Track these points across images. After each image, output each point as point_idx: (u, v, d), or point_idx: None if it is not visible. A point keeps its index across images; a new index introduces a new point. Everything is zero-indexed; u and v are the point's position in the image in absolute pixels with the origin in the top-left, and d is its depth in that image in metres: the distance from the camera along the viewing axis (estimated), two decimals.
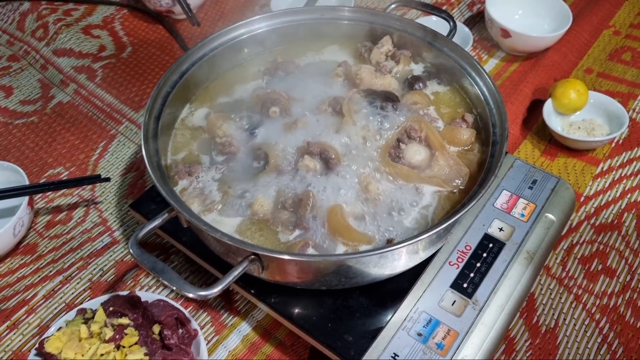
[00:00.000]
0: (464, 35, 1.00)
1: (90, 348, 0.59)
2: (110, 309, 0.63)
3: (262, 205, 0.61)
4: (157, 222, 0.57)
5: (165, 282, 0.52)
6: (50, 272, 0.75)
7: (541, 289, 0.71)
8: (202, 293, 0.51)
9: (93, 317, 0.63)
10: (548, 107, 0.87)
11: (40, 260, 0.77)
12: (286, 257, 0.53)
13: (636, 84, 0.97)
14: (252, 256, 0.54)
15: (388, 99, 0.69)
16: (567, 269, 0.73)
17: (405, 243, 0.53)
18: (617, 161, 0.85)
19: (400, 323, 0.60)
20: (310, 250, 0.58)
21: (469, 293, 0.62)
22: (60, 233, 0.80)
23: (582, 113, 0.88)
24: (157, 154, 0.63)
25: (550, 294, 0.71)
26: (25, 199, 0.74)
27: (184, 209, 0.56)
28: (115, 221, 0.81)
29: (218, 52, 0.77)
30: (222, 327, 0.69)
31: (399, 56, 0.78)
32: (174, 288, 0.51)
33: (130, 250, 0.54)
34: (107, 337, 0.59)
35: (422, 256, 0.62)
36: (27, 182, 0.76)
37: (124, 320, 0.61)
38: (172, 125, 0.72)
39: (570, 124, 0.87)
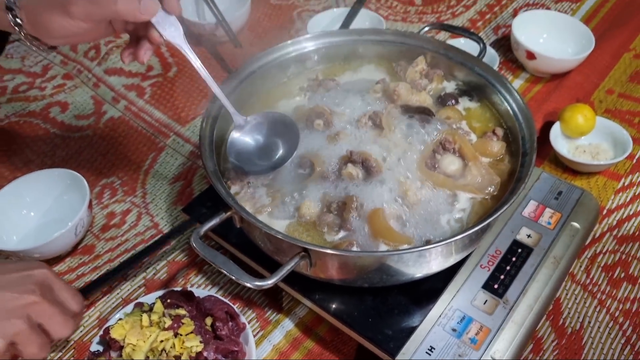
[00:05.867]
0: (491, 57, 1.05)
1: (150, 335, 0.64)
2: (168, 301, 0.68)
3: (309, 208, 0.67)
4: (215, 220, 0.63)
5: (226, 272, 0.57)
6: (108, 270, 0.81)
7: (567, 294, 0.75)
8: (259, 283, 0.57)
9: (149, 310, 0.68)
10: (555, 130, 0.92)
11: (98, 259, 0.83)
12: (335, 252, 0.59)
13: None
14: (303, 252, 0.59)
15: (424, 113, 0.75)
16: (591, 276, 0.77)
17: (442, 243, 0.59)
18: (637, 177, 0.89)
19: (436, 319, 0.65)
20: (355, 249, 0.63)
21: (499, 293, 0.67)
22: (115, 236, 0.86)
23: (589, 137, 0.92)
24: (213, 162, 0.69)
25: (575, 298, 0.75)
26: (86, 201, 0.80)
27: (242, 209, 0.62)
28: (166, 225, 0.87)
29: (264, 70, 0.83)
30: (266, 323, 0.74)
31: (433, 75, 0.83)
32: (234, 277, 0.57)
33: (194, 244, 0.60)
34: (166, 326, 0.64)
35: (456, 258, 0.67)
36: (87, 188, 0.82)
37: (181, 311, 0.67)
38: (224, 136, 0.78)
39: (577, 147, 0.91)
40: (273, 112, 0.77)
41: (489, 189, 0.69)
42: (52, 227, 0.83)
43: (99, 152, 1.00)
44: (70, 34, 0.62)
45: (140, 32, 0.66)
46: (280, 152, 0.71)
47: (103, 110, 1.09)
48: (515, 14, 1.26)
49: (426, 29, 0.89)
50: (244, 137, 0.72)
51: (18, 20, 0.62)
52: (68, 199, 0.86)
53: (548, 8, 1.27)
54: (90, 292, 0.75)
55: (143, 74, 1.15)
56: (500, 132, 0.74)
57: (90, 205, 0.82)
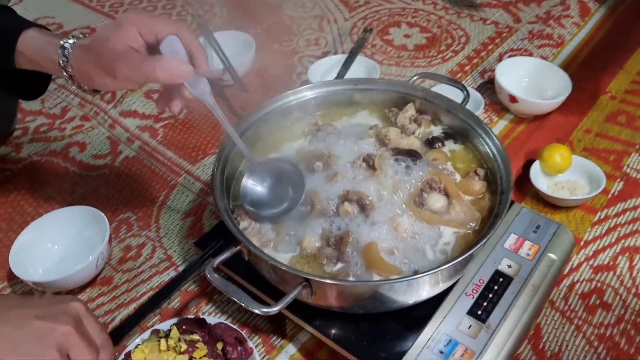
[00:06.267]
0: (477, 100, 1.15)
1: (168, 358, 0.71)
2: (182, 327, 0.76)
3: (310, 242, 0.75)
4: (226, 254, 0.71)
5: (236, 300, 0.65)
6: (125, 300, 0.88)
7: (546, 320, 0.82)
8: (265, 309, 0.64)
9: (166, 336, 0.76)
10: (535, 168, 1.00)
11: (116, 290, 0.90)
12: (333, 282, 0.67)
13: (630, 143, 1.09)
14: (305, 282, 0.66)
15: (412, 155, 0.83)
16: (569, 303, 0.84)
17: (428, 273, 0.66)
18: (612, 211, 0.97)
19: (425, 343, 0.72)
20: (351, 279, 0.71)
21: (482, 319, 0.74)
22: (131, 268, 0.94)
23: (567, 174, 1.00)
24: (224, 201, 0.77)
25: (555, 324, 0.81)
26: (107, 236, 0.88)
27: (250, 244, 0.70)
28: (178, 257, 0.94)
29: (268, 115, 0.92)
30: (271, 348, 0.81)
31: (421, 120, 0.92)
32: (243, 304, 0.64)
33: (209, 276, 0.67)
34: (182, 350, 0.72)
35: (443, 286, 0.74)
36: (107, 225, 0.90)
37: (195, 337, 0.74)
38: (233, 176, 0.86)
39: (556, 183, 1.00)
40: (281, 159, 0.86)
41: (471, 224, 0.77)
42: (74, 259, 0.90)
43: (115, 189, 1.09)
44: (112, 89, 0.71)
45: (172, 87, 0.73)
46: (289, 198, 0.79)
47: (119, 150, 1.18)
48: (500, 58, 1.36)
49: (415, 77, 0.98)
50: (255, 185, 0.80)
51: (70, 73, 0.72)
52: (89, 234, 0.93)
53: (531, 53, 1.37)
54: (122, 335, 0.81)
55: (155, 116, 1.24)
56: (481, 172, 0.83)
57: (110, 240, 0.90)
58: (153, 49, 0.68)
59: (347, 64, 1.20)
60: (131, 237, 0.99)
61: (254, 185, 0.80)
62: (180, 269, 0.92)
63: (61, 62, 0.72)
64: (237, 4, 1.61)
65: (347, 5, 1.55)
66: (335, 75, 1.17)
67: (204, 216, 1.01)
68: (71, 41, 0.72)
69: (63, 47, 0.72)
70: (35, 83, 0.90)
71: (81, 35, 0.74)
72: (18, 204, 1.07)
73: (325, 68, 1.25)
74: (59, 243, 0.94)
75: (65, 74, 0.73)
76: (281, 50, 1.42)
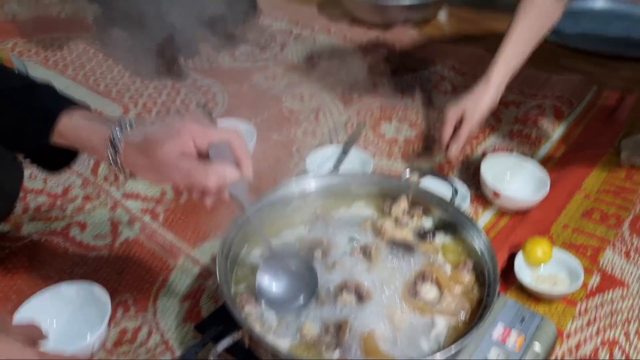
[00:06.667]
0: (465, 193, 1.22)
1: None
2: None
3: (310, 329, 0.79)
4: (228, 340, 0.73)
5: None
6: None
7: None
8: None
9: None
10: (519, 260, 1.06)
11: None
12: None
13: (604, 239, 1.17)
14: None
15: (406, 247, 0.90)
16: None
17: None
18: (592, 303, 1.02)
19: None
20: None
21: None
22: (127, 351, 0.95)
23: (548, 267, 1.06)
24: (228, 286, 0.81)
25: None
26: (107, 317, 0.90)
27: (254, 331, 0.73)
28: (175, 341, 0.96)
29: (270, 204, 0.98)
30: None
31: (414, 213, 0.99)
32: None
33: None
34: None
35: None
36: (109, 302, 0.93)
37: None
38: (235, 262, 0.91)
39: (539, 276, 1.06)
40: (294, 252, 0.91)
41: (461, 314, 0.81)
42: (71, 339, 0.92)
43: (114, 270, 1.11)
44: (155, 183, 0.75)
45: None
46: (302, 294, 0.83)
47: (119, 232, 1.21)
48: (484, 154, 1.46)
49: (407, 174, 1.06)
50: (271, 280, 0.83)
51: (118, 164, 0.75)
52: (87, 312, 0.95)
53: (512, 150, 1.47)
54: None
55: (157, 199, 1.29)
56: (470, 264, 0.89)
57: (109, 323, 0.92)
58: (202, 153, 0.73)
59: (341, 156, 1.28)
60: (127, 320, 1.00)
61: (269, 281, 0.83)
62: (178, 353, 0.94)
63: (110, 154, 0.74)
64: (239, 94, 1.72)
65: (342, 100, 1.66)
66: (332, 166, 1.25)
67: (202, 300, 1.04)
68: (119, 134, 0.74)
69: (112, 140, 0.74)
70: (62, 156, 0.89)
71: (128, 126, 0.75)
72: (15, 283, 1.08)
73: (322, 158, 1.33)
74: (58, 318, 0.96)
75: (113, 165, 0.75)
76: (280, 140, 1.49)
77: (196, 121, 0.74)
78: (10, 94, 0.83)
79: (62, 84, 1.77)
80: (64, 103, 0.81)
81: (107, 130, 0.75)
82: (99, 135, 0.75)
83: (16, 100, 0.82)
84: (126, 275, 1.10)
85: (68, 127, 0.78)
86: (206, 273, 1.10)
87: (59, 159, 0.89)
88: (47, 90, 0.85)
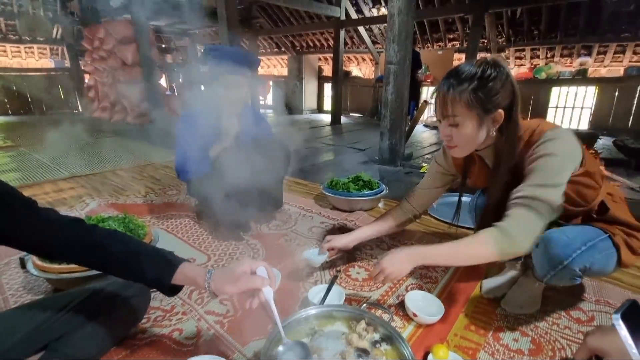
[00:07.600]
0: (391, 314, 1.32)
1: None
2: None
3: None
4: None
5: None
6: None
7: None
8: None
9: None
10: (430, 357, 1.12)
11: None
12: None
13: (479, 344, 1.23)
14: None
15: (365, 352, 0.99)
16: None
17: None
18: None
19: None
20: None
21: None
22: None
23: None
24: None
25: None
26: None
27: None
28: None
29: (287, 324, 1.08)
30: None
31: (369, 329, 1.10)
32: None
33: None
34: None
35: None
36: None
37: None
38: (266, 355, 0.99)
39: None
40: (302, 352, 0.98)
41: None
42: None
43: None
44: (231, 293, 0.94)
45: (255, 292, 0.94)
46: None
47: (202, 336, 1.27)
48: (407, 289, 1.56)
49: (364, 305, 1.19)
50: None
51: (209, 285, 0.95)
52: None
53: (421, 287, 1.59)
54: None
55: (224, 314, 1.36)
56: None
57: None
58: (253, 272, 0.95)
59: (327, 292, 1.39)
60: None
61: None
62: None
63: (207, 281, 0.94)
64: (272, 249, 1.83)
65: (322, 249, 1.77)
66: (322, 299, 1.36)
67: None
68: (211, 270, 0.96)
69: (209, 272, 0.95)
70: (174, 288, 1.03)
71: (213, 268, 0.97)
72: None
73: (317, 291, 1.43)
74: None
75: (207, 287, 0.94)
76: (293, 281, 1.58)
77: (249, 260, 0.98)
78: (150, 254, 0.99)
79: (176, 243, 1.90)
80: (181, 259, 1.00)
81: (204, 272, 0.97)
82: (201, 276, 0.96)
83: (152, 259, 0.99)
84: None
85: (185, 270, 0.98)
86: None
87: (173, 290, 1.02)
88: (170, 252, 1.03)
